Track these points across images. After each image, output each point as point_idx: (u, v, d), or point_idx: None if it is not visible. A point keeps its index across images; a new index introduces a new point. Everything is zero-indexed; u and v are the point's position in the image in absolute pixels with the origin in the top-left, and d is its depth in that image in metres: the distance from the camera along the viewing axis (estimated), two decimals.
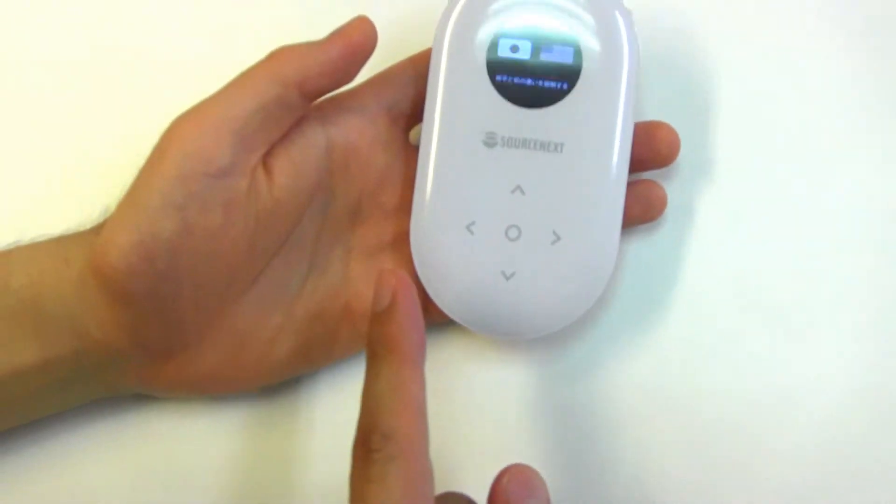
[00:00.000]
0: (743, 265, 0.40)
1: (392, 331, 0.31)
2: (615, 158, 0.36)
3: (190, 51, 0.43)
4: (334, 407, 0.40)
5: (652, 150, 0.38)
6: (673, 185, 0.40)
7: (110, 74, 0.43)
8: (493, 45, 0.36)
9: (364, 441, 0.29)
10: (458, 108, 0.36)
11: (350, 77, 0.36)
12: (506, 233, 0.36)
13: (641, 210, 0.39)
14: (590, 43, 0.36)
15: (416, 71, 0.38)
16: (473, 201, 0.36)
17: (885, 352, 0.39)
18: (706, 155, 0.41)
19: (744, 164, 0.41)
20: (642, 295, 0.40)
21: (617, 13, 0.36)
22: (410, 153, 0.38)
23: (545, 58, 0.36)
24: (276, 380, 0.39)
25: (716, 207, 0.41)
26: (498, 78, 0.36)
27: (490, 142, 0.36)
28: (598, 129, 0.36)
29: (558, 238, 0.36)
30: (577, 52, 0.36)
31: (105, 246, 0.33)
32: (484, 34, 0.36)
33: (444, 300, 0.37)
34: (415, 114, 0.38)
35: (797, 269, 0.40)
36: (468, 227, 0.36)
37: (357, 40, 0.35)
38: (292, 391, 0.40)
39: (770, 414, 0.39)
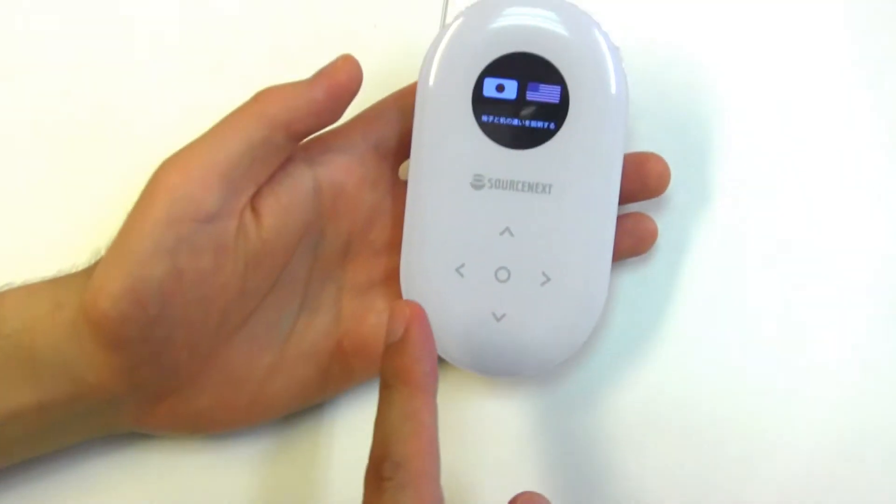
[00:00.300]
0: (737, 297, 0.40)
1: (405, 361, 0.32)
2: (604, 199, 0.36)
3: (181, 94, 0.43)
4: (340, 438, 0.40)
5: (641, 182, 0.38)
6: (667, 215, 0.40)
7: (101, 114, 0.43)
8: (479, 85, 0.35)
9: (376, 469, 0.30)
10: (444, 149, 0.36)
11: (336, 117, 0.36)
12: (495, 275, 0.36)
13: (632, 244, 0.38)
14: (577, 82, 0.35)
15: (402, 107, 0.37)
16: (462, 244, 0.36)
17: (885, 390, 0.40)
18: (700, 186, 0.41)
19: (737, 195, 0.41)
20: (637, 326, 0.40)
21: (605, 51, 0.35)
22: (399, 189, 0.38)
23: (531, 97, 0.35)
24: (270, 417, 0.39)
25: (710, 238, 0.41)
26: (484, 118, 0.35)
27: (477, 184, 0.36)
28: (586, 169, 0.36)
29: (548, 279, 0.36)
30: (564, 92, 0.35)
31: (96, 292, 0.33)
32: (469, 73, 0.35)
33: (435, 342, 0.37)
34: (403, 150, 0.38)
35: (792, 301, 0.40)
36: (458, 270, 0.36)
37: (342, 80, 0.35)
38: (295, 424, 0.40)
39: (765, 443, 0.39)
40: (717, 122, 0.42)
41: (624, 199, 0.37)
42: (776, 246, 0.41)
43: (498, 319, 0.36)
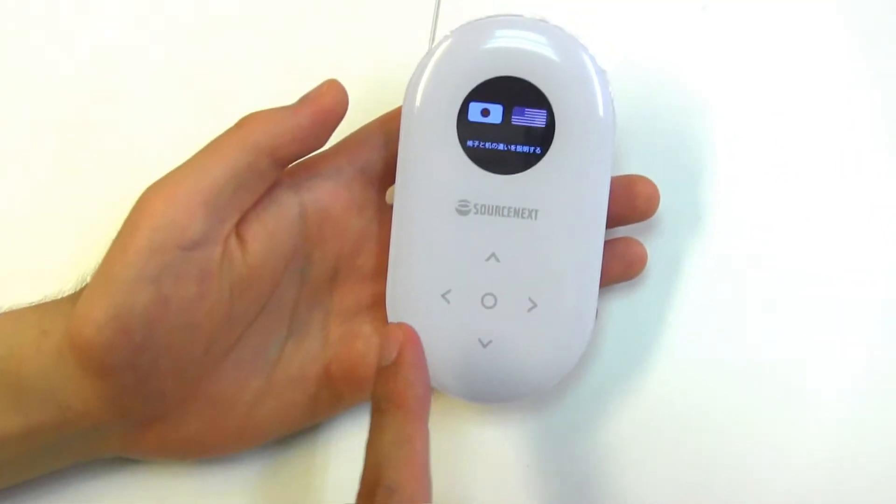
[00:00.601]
0: (729, 320, 0.40)
1: (398, 386, 0.32)
2: (591, 223, 0.35)
3: (168, 120, 0.43)
4: (332, 463, 0.40)
5: (630, 205, 0.37)
6: (658, 239, 0.40)
7: (89, 139, 0.43)
8: (464, 110, 0.35)
9: (368, 494, 0.30)
10: (429, 174, 0.35)
11: (322, 142, 0.35)
12: (482, 301, 0.36)
13: (621, 269, 0.38)
14: (563, 106, 0.35)
15: (389, 131, 0.37)
16: (448, 270, 0.36)
17: (881, 415, 0.39)
18: (691, 208, 0.41)
19: (730, 218, 0.41)
20: (628, 351, 0.40)
21: (591, 74, 0.35)
22: (386, 214, 0.38)
23: (517, 122, 0.35)
24: (259, 443, 0.39)
25: (702, 262, 0.40)
26: (469, 143, 0.35)
27: (463, 209, 0.35)
28: (572, 194, 0.35)
29: (535, 305, 0.36)
30: (550, 116, 0.35)
31: (81, 320, 0.33)
32: (453, 98, 0.35)
33: None
34: (389, 174, 0.37)
35: (786, 324, 0.40)
36: (444, 296, 0.36)
37: (328, 105, 0.35)
38: (285, 449, 0.40)
39: (759, 471, 0.39)
40: (708, 145, 0.41)
41: (612, 222, 0.37)
42: (768, 268, 0.40)
43: (484, 346, 0.36)
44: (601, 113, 0.35)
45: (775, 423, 0.39)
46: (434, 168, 0.35)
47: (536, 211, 0.35)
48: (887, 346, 0.40)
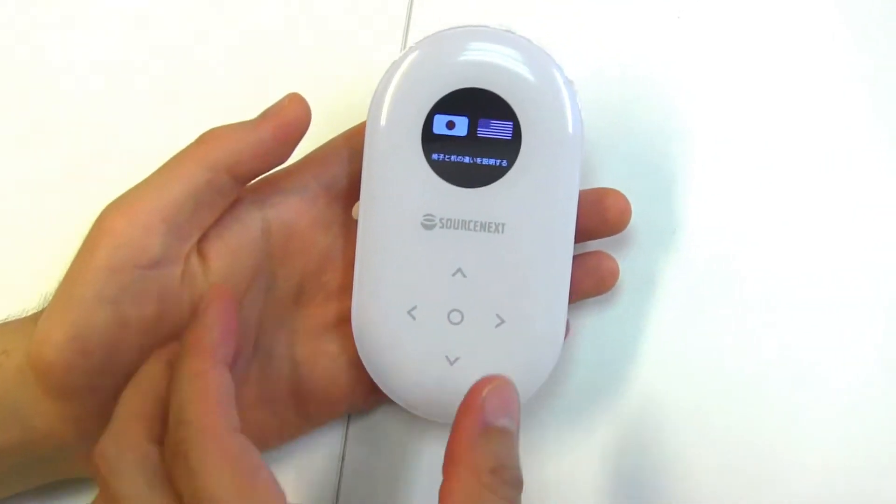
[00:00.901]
0: (704, 336, 0.39)
1: (195, 331, 0.31)
2: (559, 237, 0.35)
3: (127, 135, 0.43)
4: (298, 480, 0.39)
5: (601, 219, 0.37)
6: (632, 252, 0.39)
7: (50, 154, 0.42)
8: (428, 122, 0.34)
9: (169, 437, 0.29)
10: (393, 189, 0.35)
11: (284, 158, 0.35)
12: (448, 317, 0.35)
13: (593, 283, 0.37)
14: (529, 117, 0.34)
15: (353, 146, 0.37)
16: (414, 286, 0.35)
17: (869, 433, 0.38)
18: (666, 221, 0.40)
19: (705, 231, 0.40)
20: (601, 367, 0.39)
21: (559, 85, 0.34)
22: (352, 230, 0.37)
23: (483, 134, 0.34)
24: None
25: (676, 275, 0.40)
26: (434, 157, 0.34)
27: (428, 224, 0.35)
28: (539, 207, 0.34)
29: (502, 321, 0.35)
30: (517, 128, 0.34)
31: (41, 341, 0.32)
32: (418, 110, 0.34)
33: (388, 386, 0.36)
34: (355, 190, 0.36)
35: (761, 338, 0.39)
36: (410, 313, 0.35)
37: (289, 120, 0.34)
38: None
39: (735, 485, 0.38)
40: (684, 156, 0.41)
41: (584, 236, 0.36)
42: (743, 283, 0.40)
43: (451, 363, 0.35)
44: (569, 125, 0.34)
45: (753, 436, 0.38)
46: (399, 182, 0.35)
47: (503, 225, 0.34)
48: (868, 358, 0.39)
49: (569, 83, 0.34)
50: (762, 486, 0.38)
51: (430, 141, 0.34)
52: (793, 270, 0.40)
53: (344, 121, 0.38)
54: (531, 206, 0.34)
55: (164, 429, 0.30)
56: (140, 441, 0.30)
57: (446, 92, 0.34)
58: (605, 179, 0.40)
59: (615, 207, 0.37)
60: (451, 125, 0.34)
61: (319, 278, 0.37)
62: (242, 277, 0.35)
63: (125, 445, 0.30)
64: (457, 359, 0.35)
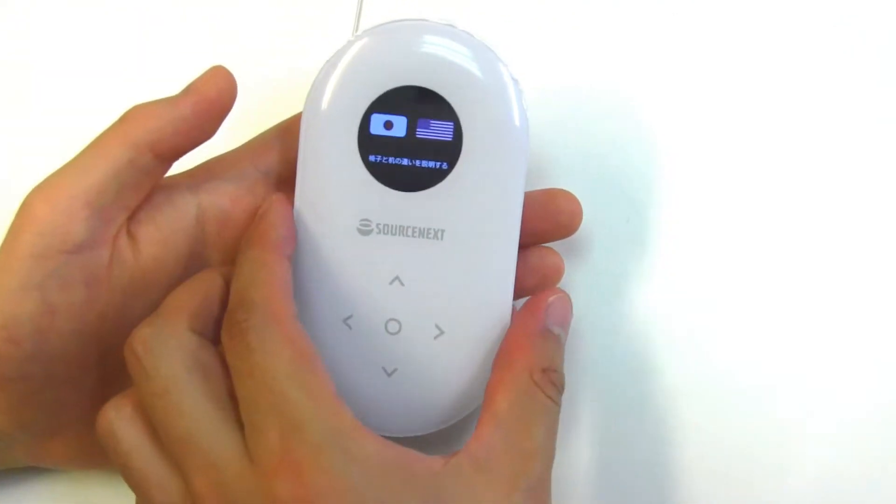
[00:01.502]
0: (669, 343, 0.38)
1: (260, 226, 0.32)
2: (502, 244, 0.33)
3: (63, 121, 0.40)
4: None
5: (552, 221, 0.35)
6: (587, 255, 0.38)
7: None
8: (365, 122, 0.33)
9: (230, 317, 0.30)
10: (329, 191, 0.33)
11: (208, 134, 0.33)
12: (385, 327, 0.33)
13: (536, 282, 0.36)
14: (471, 117, 0.32)
15: (296, 134, 0.35)
16: (350, 294, 0.33)
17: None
18: (622, 223, 0.39)
19: (667, 234, 0.39)
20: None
21: (504, 83, 0.32)
22: None
23: (422, 135, 0.33)
24: None
25: (641, 282, 0.39)
26: (371, 158, 0.33)
27: (365, 229, 0.33)
28: (480, 213, 0.33)
29: (441, 332, 0.33)
30: (457, 128, 0.32)
31: None
32: (354, 110, 0.32)
33: None
34: (294, 179, 0.35)
35: (727, 344, 0.38)
36: (345, 321, 0.33)
37: (211, 95, 0.33)
38: None
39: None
40: (644, 159, 0.39)
41: (534, 239, 0.35)
42: (711, 287, 0.39)
43: (389, 374, 0.34)
44: (512, 124, 0.32)
45: (723, 439, 0.37)
46: (334, 184, 0.33)
47: (442, 231, 0.33)
48: (832, 367, 0.38)
49: (514, 81, 0.32)
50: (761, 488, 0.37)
51: (367, 142, 0.33)
52: (757, 275, 0.39)
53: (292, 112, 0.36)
54: (471, 211, 0.33)
55: (207, 324, 0.32)
56: (182, 329, 0.31)
57: (383, 91, 0.32)
58: (556, 181, 0.38)
59: (567, 209, 0.35)
60: (388, 125, 0.33)
61: None
62: (174, 263, 0.34)
63: (168, 332, 0.31)
64: (395, 370, 0.34)
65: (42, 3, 0.43)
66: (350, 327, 0.33)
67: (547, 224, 0.35)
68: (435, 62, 0.32)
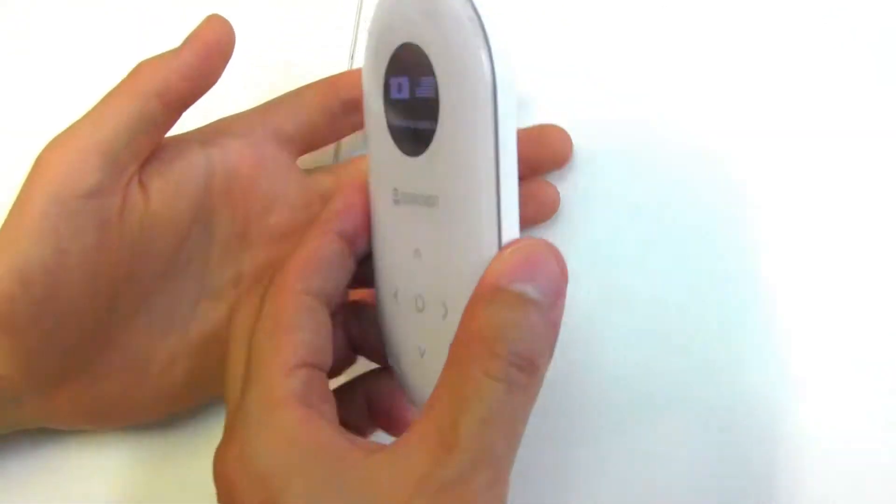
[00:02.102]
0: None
1: (323, 211, 0.33)
2: (489, 209, 0.28)
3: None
4: None
5: (545, 149, 0.37)
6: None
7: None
8: (387, 86, 0.31)
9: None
10: (374, 161, 0.32)
11: (211, 80, 0.35)
12: (415, 303, 0.31)
13: (534, 209, 0.37)
14: (445, 70, 0.28)
15: (304, 96, 0.37)
16: (393, 266, 0.32)
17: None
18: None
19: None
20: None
21: (464, 22, 0.27)
22: (297, 178, 0.38)
23: (419, 94, 0.29)
24: (179, 408, 0.38)
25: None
26: (391, 123, 0.31)
27: (396, 198, 0.31)
28: (462, 175, 0.28)
29: (446, 311, 0.30)
30: (435, 83, 0.29)
31: None
32: (378, 76, 0.31)
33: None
34: (303, 140, 0.37)
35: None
36: (395, 295, 0.32)
37: (210, 39, 0.35)
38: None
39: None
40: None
41: (529, 171, 0.36)
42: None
43: (421, 355, 0.31)
44: (484, 73, 0.27)
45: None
46: (374, 152, 0.32)
47: (436, 198, 0.29)
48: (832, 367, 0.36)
49: (482, 20, 0.27)
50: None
51: (389, 106, 0.31)
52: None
53: None
54: (454, 173, 0.29)
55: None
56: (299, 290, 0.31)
57: (390, 52, 0.30)
58: None
59: (559, 137, 0.37)
60: (399, 87, 0.30)
61: (264, 222, 0.37)
62: (183, 214, 0.36)
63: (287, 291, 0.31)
64: (423, 352, 0.31)
65: (42, 3, 0.46)
66: (398, 302, 0.32)
67: (542, 152, 0.37)
68: (414, 15, 0.29)
